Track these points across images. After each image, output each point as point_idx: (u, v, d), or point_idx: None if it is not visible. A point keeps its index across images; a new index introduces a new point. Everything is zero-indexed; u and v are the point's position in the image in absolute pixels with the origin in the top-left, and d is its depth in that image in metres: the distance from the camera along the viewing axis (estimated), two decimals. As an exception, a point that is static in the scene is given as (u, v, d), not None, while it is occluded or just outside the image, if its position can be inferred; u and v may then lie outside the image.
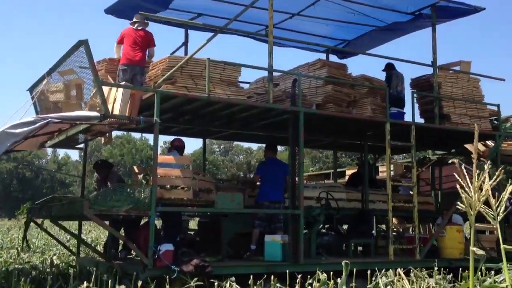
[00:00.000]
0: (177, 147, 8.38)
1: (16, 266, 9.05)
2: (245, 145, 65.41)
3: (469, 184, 2.03)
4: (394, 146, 9.19)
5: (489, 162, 2.18)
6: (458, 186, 2.03)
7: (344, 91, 9.04)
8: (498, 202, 2.10)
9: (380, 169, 13.51)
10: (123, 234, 8.22)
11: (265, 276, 6.12)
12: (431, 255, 9.06)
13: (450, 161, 12.91)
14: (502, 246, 2.25)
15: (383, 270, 6.48)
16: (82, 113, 6.66)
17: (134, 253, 8.02)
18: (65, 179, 57.76)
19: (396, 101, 9.73)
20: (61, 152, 66.26)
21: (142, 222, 8.25)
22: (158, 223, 9.32)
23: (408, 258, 8.86)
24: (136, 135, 60.32)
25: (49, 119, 6.24)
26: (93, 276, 5.34)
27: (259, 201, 8.42)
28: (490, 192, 2.11)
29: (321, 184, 10.87)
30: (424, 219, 11.66)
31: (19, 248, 11.03)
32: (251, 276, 5.70)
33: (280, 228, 8.26)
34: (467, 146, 11.31)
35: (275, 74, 9.35)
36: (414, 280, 6.41)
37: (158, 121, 6.99)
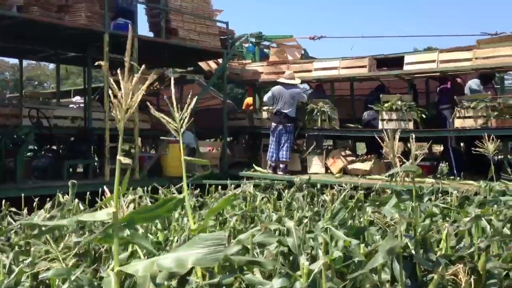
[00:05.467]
0: None
1: None
2: (12, 61, 57.73)
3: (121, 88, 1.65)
4: (115, 60, 8.40)
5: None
6: (110, 93, 1.64)
7: (53, -7, 7.83)
8: (183, 112, 2.03)
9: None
10: None
11: None
12: (156, 174, 8.91)
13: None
14: (183, 158, 2.17)
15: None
16: None
17: None
18: None
19: (125, 12, 8.92)
20: None
21: None
22: None
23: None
24: None
25: None
26: None
27: None
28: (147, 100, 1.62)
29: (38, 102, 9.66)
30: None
31: None
32: None
33: None
34: (201, 64, 11.19)
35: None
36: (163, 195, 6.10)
37: None
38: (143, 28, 10.73)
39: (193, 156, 9.85)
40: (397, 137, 3.77)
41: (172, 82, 2.26)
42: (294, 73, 9.77)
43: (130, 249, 2.86)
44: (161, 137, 9.40)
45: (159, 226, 4.54)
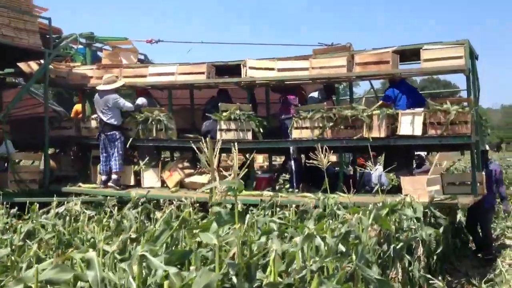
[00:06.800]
0: None
1: None
2: None
3: None
4: None
5: None
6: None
7: None
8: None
9: None
10: None
11: None
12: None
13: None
14: None
15: None
16: None
17: None
18: None
19: None
20: None
21: None
22: None
23: None
24: None
25: None
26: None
27: None
28: None
29: None
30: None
31: None
32: None
33: None
34: (21, 65, 9.74)
35: None
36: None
37: None
38: None
39: (4, 169, 8.51)
40: (217, 148, 3.20)
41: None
42: (127, 78, 8.93)
43: None
44: None
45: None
